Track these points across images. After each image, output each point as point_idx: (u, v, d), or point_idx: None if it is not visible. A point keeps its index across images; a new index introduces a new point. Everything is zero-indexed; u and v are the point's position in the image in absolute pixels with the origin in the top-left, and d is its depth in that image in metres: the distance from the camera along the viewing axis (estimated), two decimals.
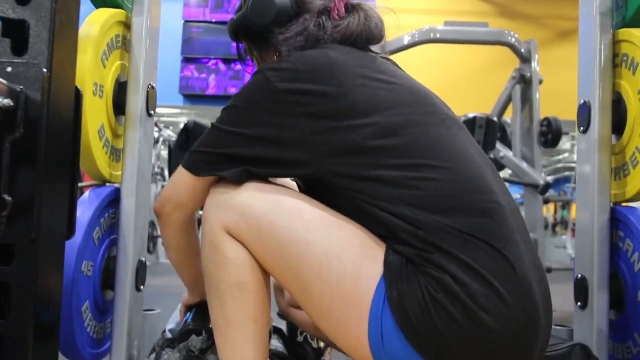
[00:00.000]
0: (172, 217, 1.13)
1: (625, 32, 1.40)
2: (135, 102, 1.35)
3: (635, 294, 1.35)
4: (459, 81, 8.99)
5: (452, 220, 0.87)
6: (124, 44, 1.38)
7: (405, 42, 3.58)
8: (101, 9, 1.31)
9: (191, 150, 1.06)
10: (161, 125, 7.59)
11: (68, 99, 0.89)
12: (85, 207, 1.29)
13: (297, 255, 0.92)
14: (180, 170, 1.06)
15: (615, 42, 1.42)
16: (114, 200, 1.37)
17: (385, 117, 0.96)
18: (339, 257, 0.90)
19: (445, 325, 0.82)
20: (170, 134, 8.10)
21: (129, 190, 1.36)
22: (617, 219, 1.42)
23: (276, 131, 0.98)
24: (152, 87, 1.39)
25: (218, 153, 1.02)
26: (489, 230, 0.88)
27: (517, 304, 0.84)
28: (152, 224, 6.96)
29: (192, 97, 8.49)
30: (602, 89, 1.41)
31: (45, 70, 0.79)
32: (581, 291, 1.42)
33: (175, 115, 11.19)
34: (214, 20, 8.67)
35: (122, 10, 1.35)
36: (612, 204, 1.44)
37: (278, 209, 0.97)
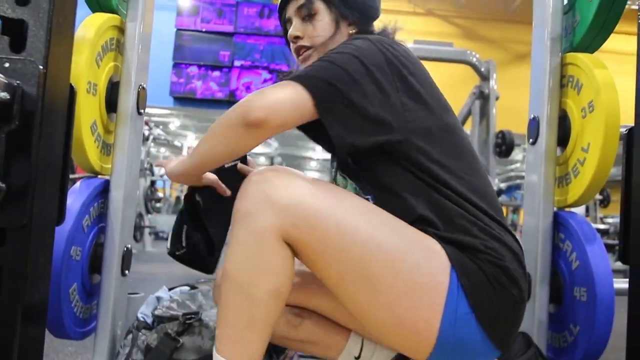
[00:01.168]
0: (259, 126, 0.90)
1: (572, 56, 1.43)
2: (127, 101, 1.33)
3: (572, 290, 1.38)
4: None
5: (495, 213, 0.97)
6: (118, 47, 1.36)
7: None
8: (97, 14, 1.30)
9: (308, 73, 0.94)
10: (152, 124, 7.51)
11: (62, 95, 0.87)
12: (76, 197, 1.27)
13: (369, 255, 0.88)
14: (291, 84, 0.92)
15: (563, 65, 1.45)
16: (103, 191, 1.35)
17: (449, 117, 1.04)
18: (410, 252, 0.90)
19: (506, 305, 0.91)
20: (160, 133, 8.03)
21: (118, 182, 1.34)
22: (559, 223, 1.44)
23: (380, 93, 0.95)
24: (143, 87, 1.38)
25: (338, 89, 0.92)
26: (505, 223, 1.00)
27: (526, 281, 0.97)
28: (139, 215, 6.92)
29: (182, 100, 8.45)
30: (550, 106, 1.44)
31: (41, 67, 0.78)
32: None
33: (165, 115, 11.07)
34: (204, 30, 8.66)
35: (117, 16, 1.34)
36: (555, 209, 1.46)
37: (340, 209, 0.90)
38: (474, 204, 0.95)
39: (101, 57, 1.28)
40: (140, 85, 1.37)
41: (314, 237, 0.87)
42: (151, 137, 7.27)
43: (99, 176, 1.38)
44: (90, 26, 1.22)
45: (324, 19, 1.08)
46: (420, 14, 9.95)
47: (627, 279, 1.09)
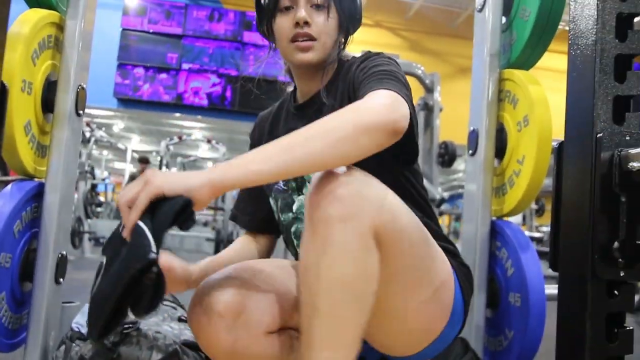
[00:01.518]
0: (400, 134, 0.85)
1: (509, 72, 1.48)
2: (65, 101, 1.27)
3: (507, 296, 1.43)
4: None
5: None
6: (56, 45, 1.30)
7: None
8: (34, 9, 1.23)
9: (400, 87, 0.91)
10: (94, 126, 7.27)
11: None
12: (6, 200, 1.20)
13: (429, 256, 0.96)
14: (395, 94, 0.88)
15: (501, 80, 1.50)
16: (37, 195, 1.28)
17: None
18: (444, 260, 1.01)
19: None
20: (103, 135, 7.78)
21: (54, 185, 1.28)
22: (495, 231, 1.49)
23: None
24: (83, 88, 1.32)
25: (412, 105, 0.93)
26: None
27: None
28: (78, 219, 6.65)
29: (126, 101, 8.23)
30: (489, 119, 1.49)
31: None
32: None
33: (108, 117, 10.72)
34: (151, 31, 8.47)
35: (55, 12, 1.27)
36: (492, 218, 1.51)
37: (415, 219, 0.93)
38: (435, 215, 1.10)
39: (37, 55, 1.21)
40: (80, 85, 1.31)
41: (400, 241, 0.87)
42: (93, 139, 7.01)
43: (34, 179, 1.31)
44: (25, 22, 1.16)
45: (334, 19, 1.02)
46: (370, 25, 10.12)
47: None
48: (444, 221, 10.34)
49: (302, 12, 0.96)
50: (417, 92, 3.73)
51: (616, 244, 1.00)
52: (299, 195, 1.04)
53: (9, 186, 1.26)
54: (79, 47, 1.30)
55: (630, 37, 1.04)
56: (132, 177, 7.83)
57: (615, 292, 1.03)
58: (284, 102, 1.21)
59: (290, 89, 1.23)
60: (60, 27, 1.29)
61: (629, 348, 1.02)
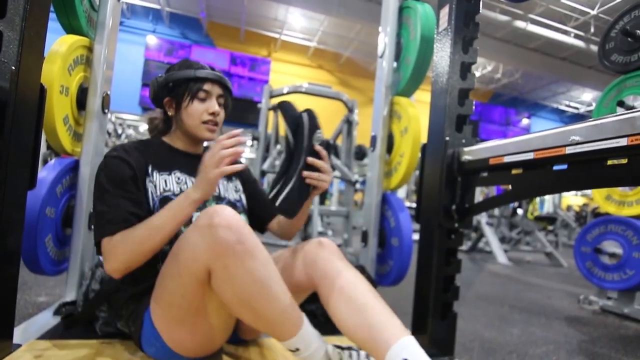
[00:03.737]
0: None
1: (397, 98, 1.50)
2: (94, 102, 1.18)
3: (390, 239, 1.46)
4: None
5: None
6: (87, 62, 1.19)
7: (285, 91, 3.57)
8: (70, 35, 1.12)
9: None
10: (125, 126, 6.83)
11: (33, 91, 0.75)
12: (51, 170, 1.11)
13: None
14: None
15: (392, 104, 1.52)
16: (74, 168, 1.19)
17: None
18: None
19: None
20: (131, 133, 7.32)
21: (86, 161, 1.19)
22: (385, 199, 1.52)
23: None
24: (107, 94, 1.22)
25: None
26: None
27: None
28: None
29: (148, 109, 7.82)
30: (383, 128, 1.51)
31: (13, 67, 0.66)
32: (365, 237, 1.51)
33: (136, 121, 10.15)
34: (166, 62, 8.03)
35: (86, 38, 1.17)
36: (383, 192, 1.53)
37: None
38: None
39: (72, 68, 1.11)
40: (105, 92, 1.21)
41: None
42: (124, 135, 6.58)
43: (72, 157, 1.21)
44: (63, 43, 1.06)
45: (223, 115, 0.94)
46: (314, 67, 10.04)
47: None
48: (358, 196, 10.59)
49: (216, 107, 0.89)
50: (342, 112, 3.74)
51: (454, 206, 1.05)
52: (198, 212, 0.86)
53: (53, 160, 1.16)
54: (104, 65, 1.20)
55: (469, 77, 1.08)
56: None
57: (452, 235, 1.09)
58: (153, 141, 0.95)
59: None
60: (90, 49, 1.19)
61: (458, 269, 1.08)
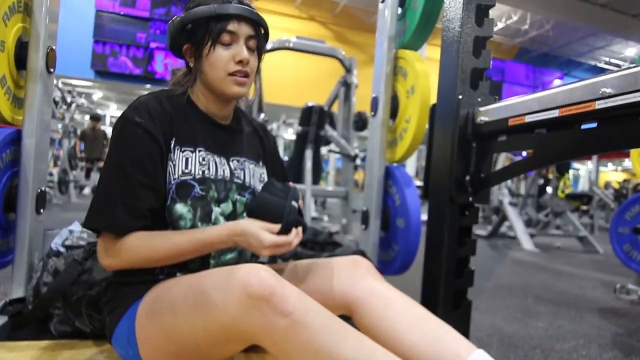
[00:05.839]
0: None
1: (402, 52, 1.50)
2: (36, 59, 1.16)
3: (395, 221, 1.50)
4: (303, 81, 9.15)
5: None
6: (26, 10, 1.16)
7: (268, 47, 3.52)
8: None
9: None
10: (75, 94, 6.70)
11: None
12: None
13: None
14: None
15: (396, 58, 1.52)
16: (16, 140, 1.18)
17: None
18: None
19: None
20: (83, 102, 7.20)
21: (29, 131, 1.18)
22: (388, 173, 1.54)
23: None
24: (52, 49, 1.21)
25: None
26: None
27: None
28: (63, 171, 6.22)
29: (102, 73, 7.64)
30: (386, 88, 1.51)
31: None
32: (365, 218, 1.54)
33: (88, 87, 9.92)
34: (122, 13, 7.80)
35: None
36: (386, 164, 1.55)
37: None
38: None
39: (8, 17, 1.08)
40: (50, 46, 1.19)
41: None
42: (74, 105, 6.47)
43: (13, 127, 1.21)
44: None
45: (257, 63, 0.88)
46: (304, 18, 9.86)
47: None
48: (359, 174, 10.64)
49: (245, 53, 0.82)
50: (338, 72, 3.71)
51: (467, 177, 1.07)
52: (218, 206, 0.86)
53: None
54: (46, 16, 1.17)
55: (486, 23, 1.08)
56: (83, 133, 7.17)
57: (466, 212, 1.11)
58: (178, 98, 0.89)
59: None
60: None
61: (473, 251, 1.11)
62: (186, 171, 0.82)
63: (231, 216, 0.87)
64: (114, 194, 0.76)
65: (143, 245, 0.76)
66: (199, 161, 0.84)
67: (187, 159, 0.83)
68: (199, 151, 0.85)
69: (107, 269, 0.79)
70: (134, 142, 0.77)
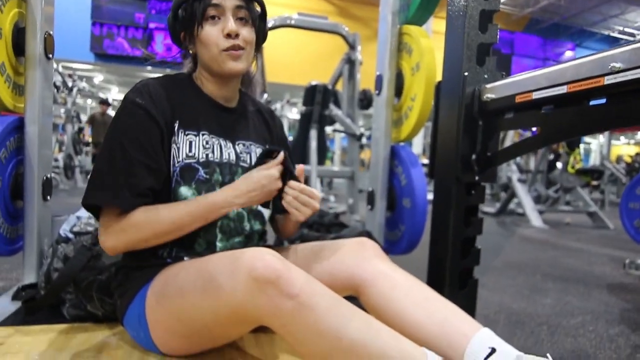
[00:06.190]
0: None
1: (406, 27, 1.48)
2: (34, 45, 1.16)
3: (401, 201, 1.50)
4: (306, 59, 9.03)
5: None
6: None
7: (270, 25, 3.47)
8: None
9: None
10: (75, 77, 6.69)
11: None
12: None
13: None
14: None
15: (400, 34, 1.50)
16: (19, 127, 1.19)
17: None
18: None
19: None
20: (85, 85, 7.19)
21: (32, 118, 1.19)
22: (394, 153, 1.54)
23: None
24: (50, 34, 1.20)
25: None
26: None
27: None
28: (68, 156, 6.27)
29: (101, 56, 7.60)
30: (390, 65, 1.49)
31: None
32: (371, 199, 1.55)
33: (88, 70, 9.88)
34: None
35: None
36: (392, 144, 1.55)
37: None
38: None
39: (3, 3, 1.08)
40: (47, 32, 1.19)
41: None
42: (75, 89, 6.46)
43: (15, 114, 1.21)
44: None
45: (253, 34, 0.86)
46: None
47: None
48: (365, 153, 10.62)
49: (232, 24, 0.81)
50: (342, 49, 3.65)
51: (474, 156, 1.07)
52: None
53: None
54: None
55: None
56: (92, 117, 7.18)
57: (472, 191, 1.11)
58: (182, 82, 0.91)
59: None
60: None
61: (479, 230, 1.12)
62: (190, 154, 0.83)
63: None
64: (116, 171, 0.76)
65: (149, 217, 0.76)
66: (203, 144, 0.85)
67: (191, 142, 0.84)
68: (203, 134, 0.85)
69: (109, 251, 0.79)
70: (134, 123, 0.78)
